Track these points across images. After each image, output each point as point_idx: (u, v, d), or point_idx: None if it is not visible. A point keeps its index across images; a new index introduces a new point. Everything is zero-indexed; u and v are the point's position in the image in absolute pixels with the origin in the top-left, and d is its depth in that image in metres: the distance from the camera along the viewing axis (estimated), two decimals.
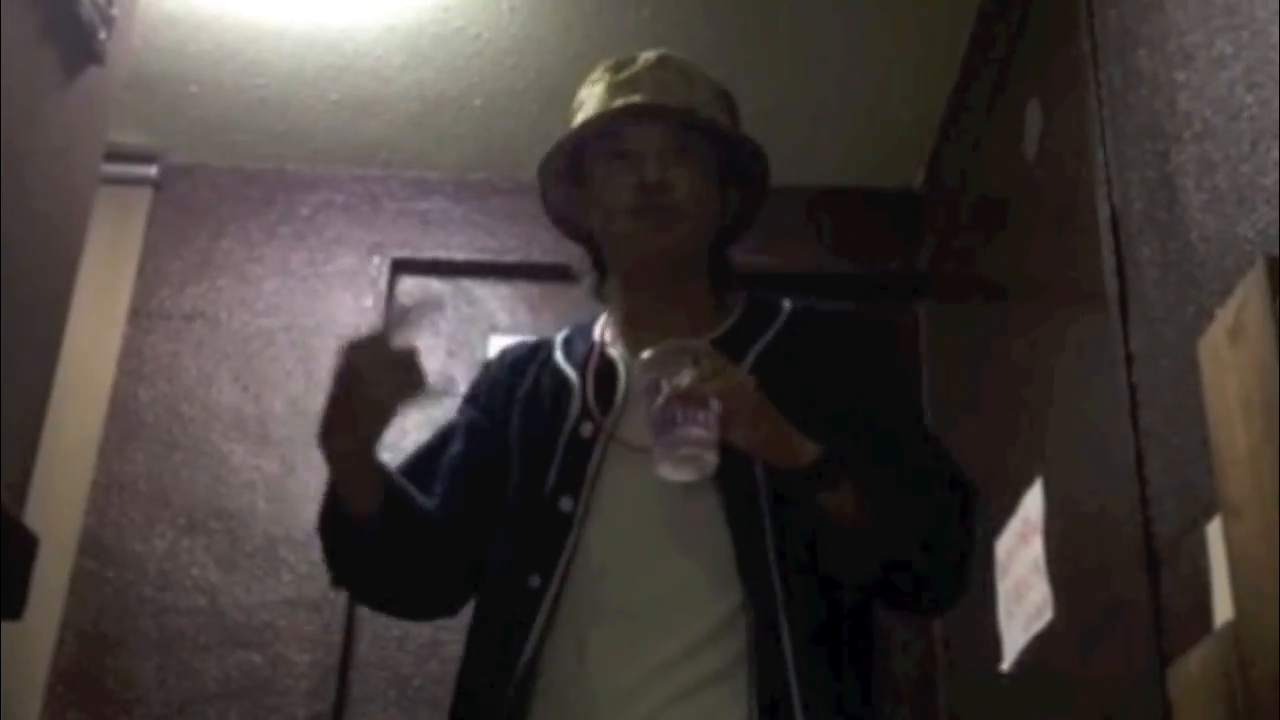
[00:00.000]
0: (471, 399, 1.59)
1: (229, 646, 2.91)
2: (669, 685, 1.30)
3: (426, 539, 1.45)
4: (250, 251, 3.33)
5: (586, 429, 1.43)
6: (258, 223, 3.36)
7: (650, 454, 1.29)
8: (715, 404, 1.27)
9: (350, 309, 3.26)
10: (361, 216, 3.37)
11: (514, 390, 1.54)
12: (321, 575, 2.97)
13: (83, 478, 3.03)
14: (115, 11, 2.09)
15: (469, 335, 3.26)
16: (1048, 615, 2.14)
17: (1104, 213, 1.94)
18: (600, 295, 1.58)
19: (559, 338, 1.59)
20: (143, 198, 3.31)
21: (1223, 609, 1.47)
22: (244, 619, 2.94)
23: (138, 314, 3.23)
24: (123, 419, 3.12)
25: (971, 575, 1.43)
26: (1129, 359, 1.82)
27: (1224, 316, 1.47)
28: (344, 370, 1.32)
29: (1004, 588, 2.39)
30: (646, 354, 1.32)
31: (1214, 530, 1.50)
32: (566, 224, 1.61)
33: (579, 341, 1.56)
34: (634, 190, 1.46)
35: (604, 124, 1.49)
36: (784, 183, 3.24)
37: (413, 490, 1.46)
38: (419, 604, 1.55)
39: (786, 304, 1.54)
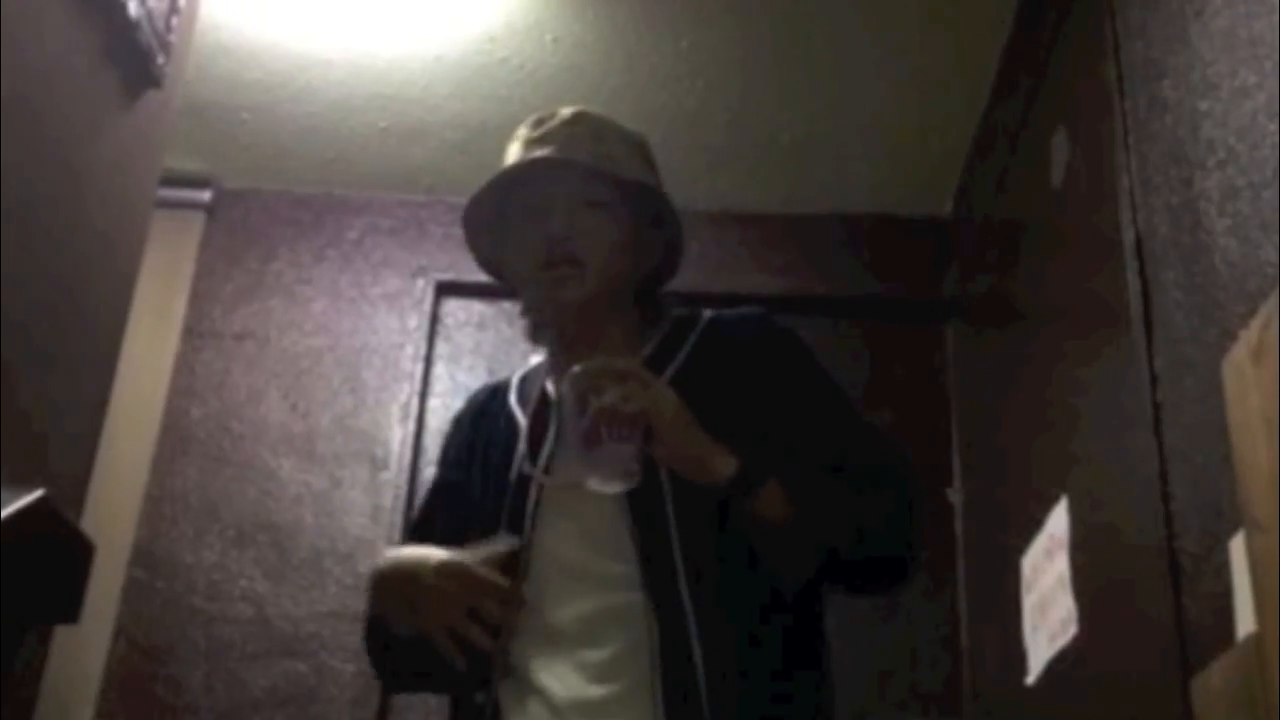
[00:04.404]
0: (444, 458, 1.65)
1: (275, 656, 2.96)
2: (598, 692, 1.36)
3: None
4: (299, 273, 3.40)
5: (527, 467, 1.48)
6: (307, 246, 3.43)
7: (580, 469, 1.34)
8: (641, 419, 1.31)
9: (395, 330, 3.33)
10: (407, 240, 3.44)
11: (474, 440, 1.59)
12: (365, 587, 3.05)
13: (136, 491, 3.09)
14: (173, 38, 2.15)
15: (510, 356, 3.31)
16: (1072, 629, 2.15)
17: (1129, 237, 1.97)
18: (535, 336, 1.61)
19: (515, 378, 1.63)
20: (196, 221, 3.40)
21: (1245, 621, 1.49)
22: (290, 629, 2.98)
23: (190, 333, 3.30)
24: (175, 434, 3.19)
25: (916, 546, 1.44)
26: (1153, 379, 1.84)
27: (1247, 337, 1.50)
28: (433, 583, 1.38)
29: (1029, 602, 2.40)
30: (573, 370, 1.36)
31: (1237, 545, 1.52)
32: (494, 270, 1.65)
33: (532, 380, 1.60)
34: (542, 244, 1.50)
35: (508, 177, 1.53)
36: (817, 210, 3.38)
37: None
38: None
39: (705, 314, 1.58)
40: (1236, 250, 1.61)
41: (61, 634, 2.04)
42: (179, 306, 3.30)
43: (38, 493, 1.65)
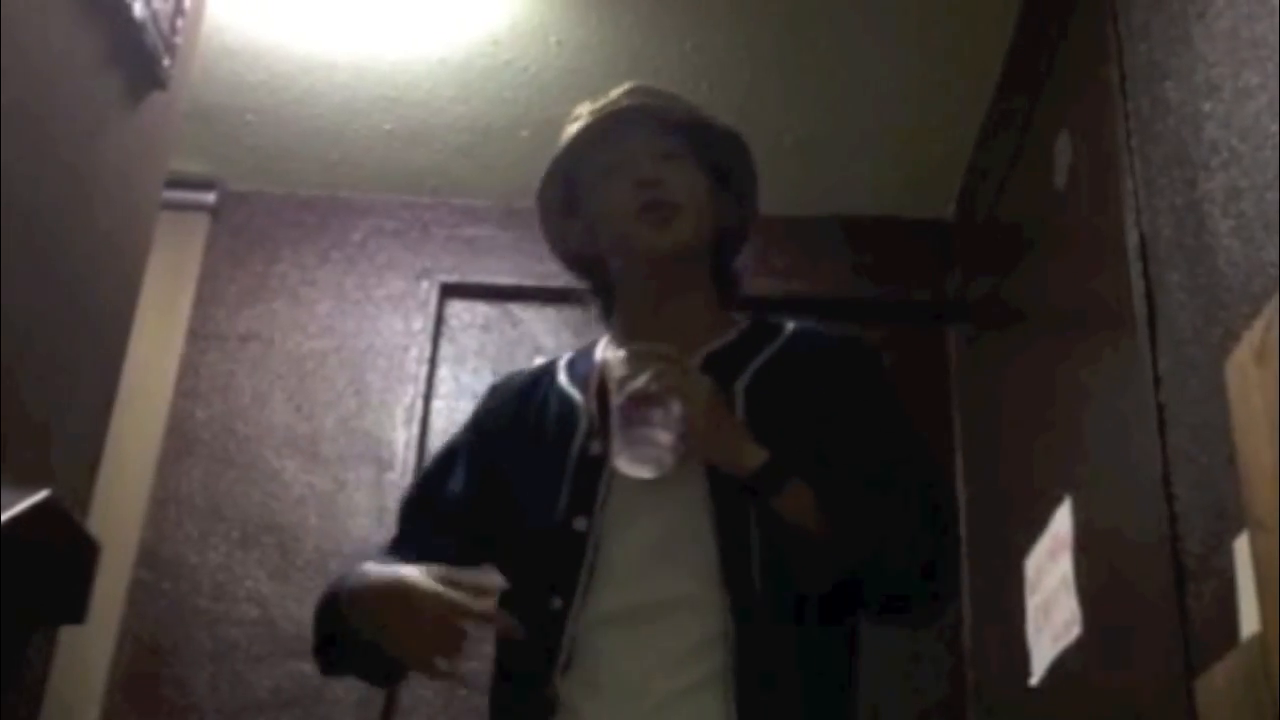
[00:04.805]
0: (474, 426, 1.62)
1: (280, 657, 2.96)
2: (667, 684, 1.34)
3: None
4: (304, 275, 3.41)
5: (595, 447, 1.45)
6: (311, 248, 3.44)
7: (613, 450, 1.33)
8: (675, 405, 1.31)
9: (400, 332, 3.34)
10: (411, 242, 3.45)
11: (519, 416, 1.56)
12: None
13: (141, 492, 3.10)
14: (178, 40, 2.16)
15: (514, 357, 3.32)
16: (1076, 630, 2.16)
17: (1133, 239, 1.97)
18: (606, 317, 1.61)
19: (562, 361, 1.62)
20: (201, 223, 3.41)
21: (1249, 622, 1.49)
22: (295, 630, 2.96)
23: (195, 335, 3.31)
24: (180, 436, 3.20)
25: (944, 584, 1.43)
26: (1157, 380, 1.85)
27: (1250, 338, 1.50)
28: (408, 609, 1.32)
29: (1033, 604, 2.41)
30: (614, 353, 1.37)
31: (1241, 545, 1.52)
32: (566, 254, 1.65)
33: (582, 363, 1.59)
34: (631, 190, 1.50)
35: (590, 135, 1.54)
36: (820, 212, 3.39)
37: None
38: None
39: (790, 326, 1.57)
40: (1240, 251, 1.62)
41: (67, 634, 2.04)
42: (184, 308, 3.32)
43: (43, 493, 1.66)
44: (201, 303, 3.35)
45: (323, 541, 3.11)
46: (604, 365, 1.50)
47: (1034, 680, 2.38)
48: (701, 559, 1.37)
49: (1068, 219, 2.43)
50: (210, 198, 3.42)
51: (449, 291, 3.40)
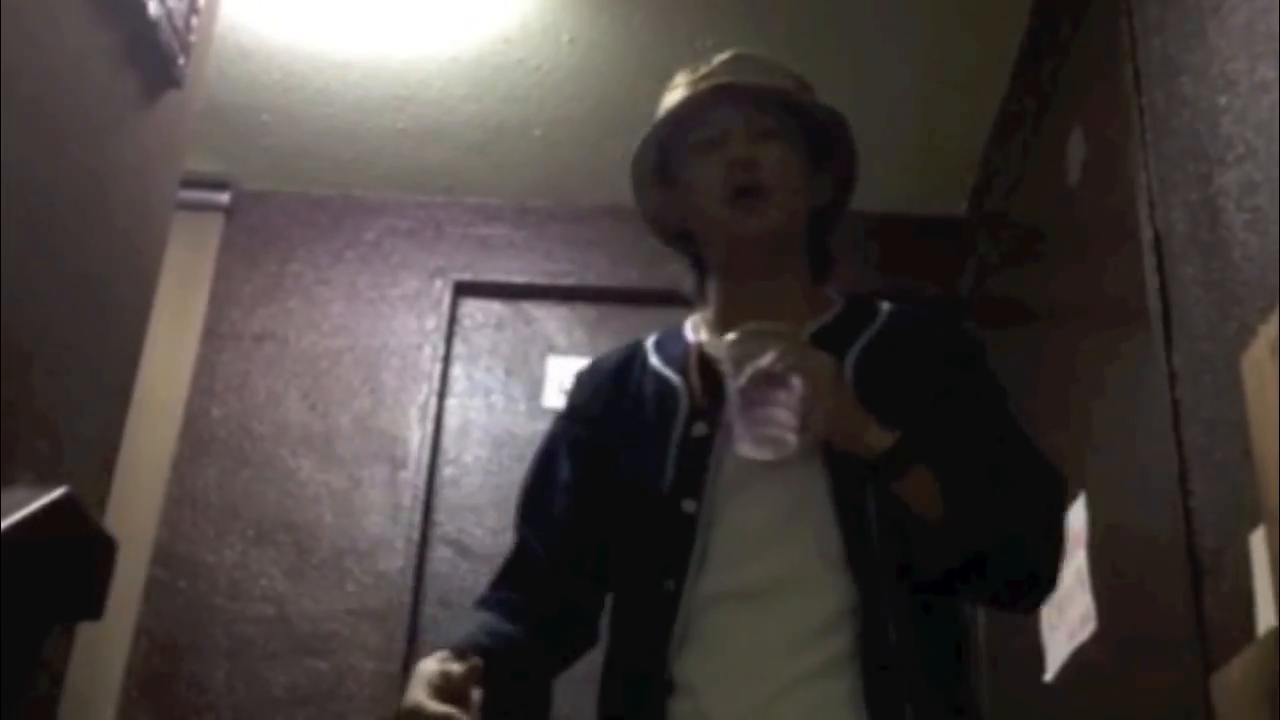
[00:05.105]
0: (570, 415, 1.59)
1: (296, 654, 2.97)
2: (792, 668, 1.31)
3: (556, 636, 1.45)
4: (318, 275, 3.42)
5: (699, 429, 1.41)
6: (325, 247, 3.45)
7: (734, 433, 1.29)
8: (797, 385, 1.27)
9: (414, 330, 3.35)
10: (425, 241, 3.46)
11: (615, 399, 1.52)
12: (384, 586, 3.08)
13: (157, 491, 3.11)
14: (193, 39, 2.16)
15: (528, 355, 3.34)
16: (1091, 626, 2.16)
17: (1147, 234, 1.97)
18: (699, 295, 1.56)
19: (649, 343, 1.57)
20: (215, 223, 3.42)
21: (1266, 616, 1.50)
22: (310, 628, 3.00)
23: (210, 334, 3.32)
24: (195, 435, 3.21)
25: (1057, 567, 1.39)
26: (1172, 375, 1.85)
27: (1266, 332, 1.50)
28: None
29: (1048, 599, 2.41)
30: (730, 336, 1.32)
31: (1257, 540, 1.53)
32: (661, 227, 1.60)
33: (671, 344, 1.54)
34: (723, 172, 1.45)
35: (687, 109, 1.49)
36: None
37: (507, 629, 1.42)
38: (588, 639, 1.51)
39: (885, 306, 1.53)
40: (1255, 246, 1.61)
41: (84, 632, 2.05)
42: (199, 308, 3.33)
43: (60, 491, 1.66)
44: (216, 302, 3.36)
45: (338, 539, 3.11)
46: (707, 346, 1.47)
47: (1049, 676, 2.38)
48: (821, 538, 1.34)
49: (1081, 215, 2.42)
50: (225, 197, 3.43)
51: (462, 290, 3.41)
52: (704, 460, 1.40)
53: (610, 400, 1.54)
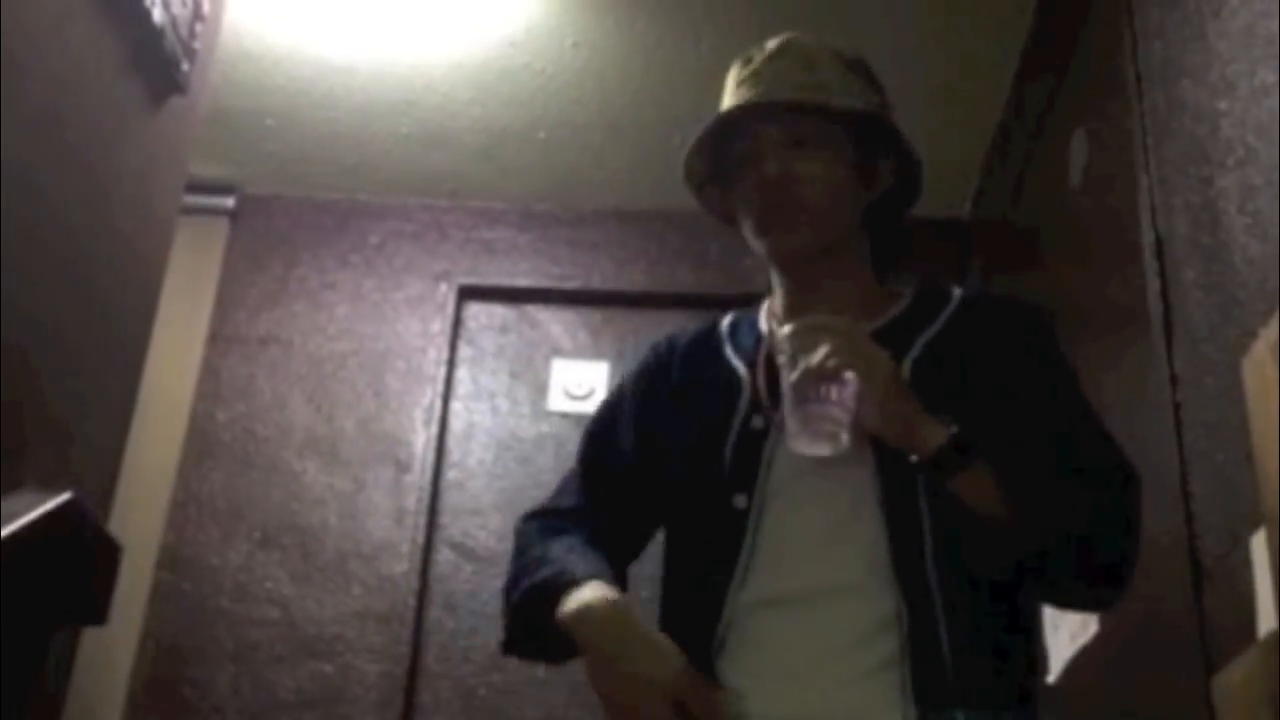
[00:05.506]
0: (635, 387, 1.56)
1: (302, 657, 2.98)
2: (839, 670, 1.29)
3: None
4: (323, 278, 3.43)
5: (757, 422, 1.40)
6: (330, 251, 3.46)
7: (789, 429, 1.28)
8: (851, 381, 1.26)
9: (418, 334, 3.36)
10: (429, 245, 3.47)
11: (684, 380, 1.51)
12: (389, 589, 3.09)
13: (162, 494, 3.12)
14: (197, 44, 2.18)
15: (532, 358, 3.35)
16: (1093, 628, 2.16)
17: (1149, 238, 1.97)
18: (769, 283, 1.53)
19: (724, 327, 1.55)
20: (221, 227, 3.43)
21: (1267, 619, 1.50)
22: (316, 631, 3.01)
23: (215, 338, 3.34)
24: (200, 438, 3.23)
25: (1131, 564, 1.35)
26: (1174, 378, 1.85)
27: (1267, 335, 1.50)
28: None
29: None
30: (784, 330, 1.31)
31: (1258, 542, 1.53)
32: (727, 220, 1.56)
33: (745, 332, 1.52)
34: (757, 191, 1.44)
35: (710, 133, 1.48)
36: None
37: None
38: None
39: (956, 292, 1.50)
40: (1256, 249, 1.62)
41: (89, 636, 2.06)
42: (204, 311, 3.34)
43: (65, 495, 1.67)
44: (221, 306, 3.38)
45: (342, 542, 3.12)
46: (771, 339, 1.44)
47: (1052, 678, 2.38)
48: (869, 543, 1.31)
49: (1083, 218, 2.42)
50: (230, 202, 3.45)
51: (467, 293, 3.42)
52: (758, 454, 1.38)
53: (675, 383, 1.52)
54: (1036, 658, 1.40)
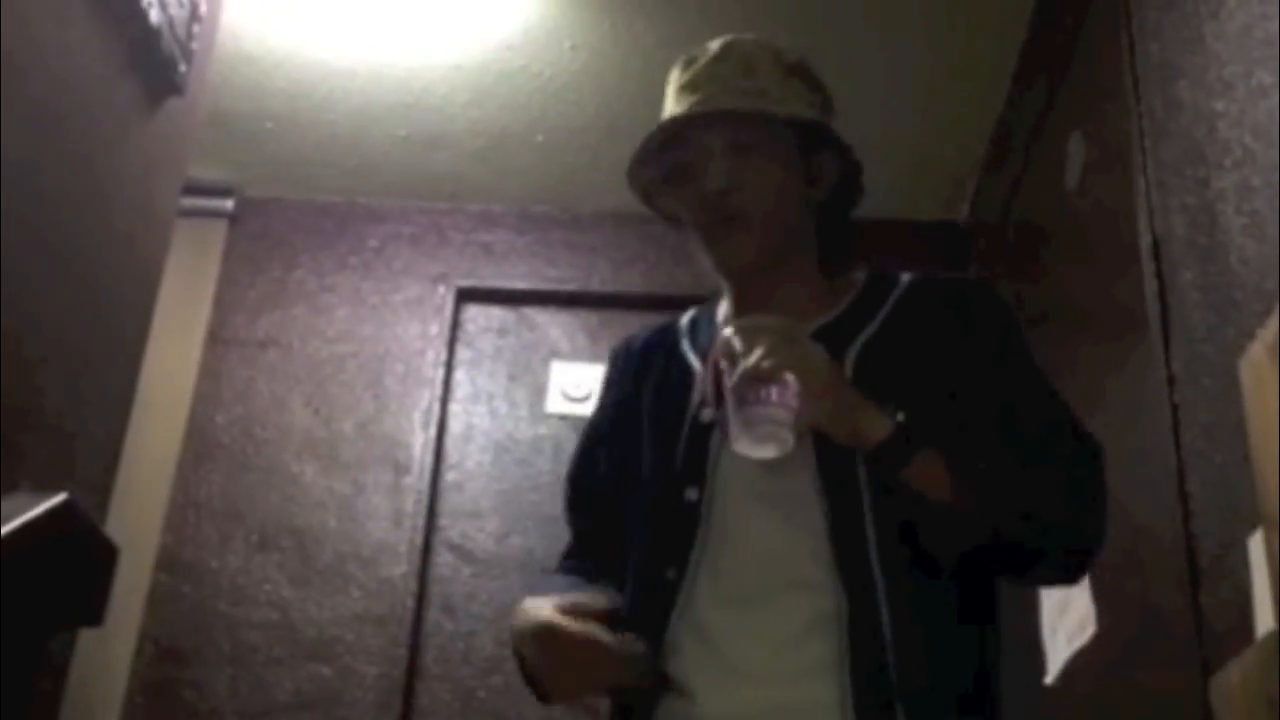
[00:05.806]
0: (608, 394, 1.58)
1: (300, 660, 2.98)
2: (782, 664, 1.30)
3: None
4: (321, 281, 3.44)
5: (706, 414, 1.40)
6: (329, 253, 3.46)
7: (731, 431, 1.28)
8: (791, 381, 1.25)
9: (417, 336, 3.36)
10: (428, 247, 3.47)
11: (643, 378, 1.52)
12: (388, 591, 3.09)
13: (160, 496, 3.12)
14: (195, 46, 2.17)
15: (530, 361, 3.35)
16: (1091, 629, 2.16)
17: (1146, 239, 1.98)
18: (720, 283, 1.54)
19: (684, 323, 1.57)
20: (219, 229, 3.43)
21: (1264, 619, 1.50)
22: (314, 633, 3.00)
23: (214, 340, 3.33)
24: (199, 440, 3.22)
25: (1096, 536, 1.34)
26: (1171, 380, 1.85)
27: (1265, 335, 1.50)
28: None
29: (1048, 603, 2.40)
30: (725, 332, 1.31)
31: (1255, 543, 1.53)
32: (677, 222, 1.55)
33: (704, 326, 1.53)
34: (701, 205, 1.44)
35: (660, 137, 1.47)
36: None
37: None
38: None
39: (904, 278, 1.49)
40: (1253, 249, 1.62)
41: (86, 637, 2.06)
42: (203, 314, 3.34)
43: (62, 496, 1.67)
44: (220, 308, 3.37)
45: (341, 545, 3.12)
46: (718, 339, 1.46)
47: (1049, 679, 2.38)
48: (813, 539, 1.31)
49: (1081, 219, 2.42)
50: (228, 204, 3.45)
51: (465, 296, 3.42)
52: (706, 447, 1.39)
53: (637, 382, 1.53)
54: (995, 650, 1.39)
